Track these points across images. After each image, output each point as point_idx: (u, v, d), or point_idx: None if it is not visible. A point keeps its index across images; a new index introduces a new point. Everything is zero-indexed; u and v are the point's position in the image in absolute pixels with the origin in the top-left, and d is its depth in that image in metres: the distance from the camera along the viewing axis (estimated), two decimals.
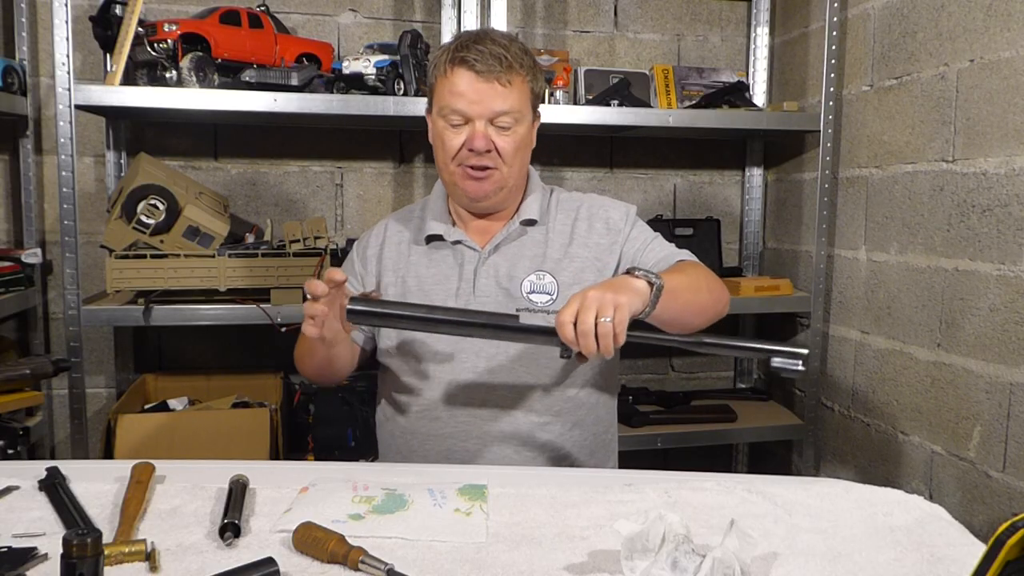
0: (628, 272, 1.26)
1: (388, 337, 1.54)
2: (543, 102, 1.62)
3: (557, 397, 1.51)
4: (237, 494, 1.16)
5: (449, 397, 1.49)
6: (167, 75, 2.09)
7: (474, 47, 1.41)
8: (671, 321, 1.31)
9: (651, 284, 1.24)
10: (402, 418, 1.54)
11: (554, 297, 1.49)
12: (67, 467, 1.25)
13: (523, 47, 1.47)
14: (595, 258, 1.52)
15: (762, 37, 2.83)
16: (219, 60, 2.13)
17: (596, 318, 1.14)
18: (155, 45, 2.06)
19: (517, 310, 1.47)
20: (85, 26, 2.25)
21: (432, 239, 1.55)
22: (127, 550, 0.99)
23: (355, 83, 2.23)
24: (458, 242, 1.54)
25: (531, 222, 1.54)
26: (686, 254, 1.53)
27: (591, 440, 1.57)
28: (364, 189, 2.67)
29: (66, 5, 2.01)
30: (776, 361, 1.23)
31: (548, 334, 1.21)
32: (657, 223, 2.67)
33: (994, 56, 1.90)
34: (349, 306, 1.26)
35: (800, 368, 1.21)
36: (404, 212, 1.67)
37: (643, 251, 1.52)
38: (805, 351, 1.22)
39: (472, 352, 1.48)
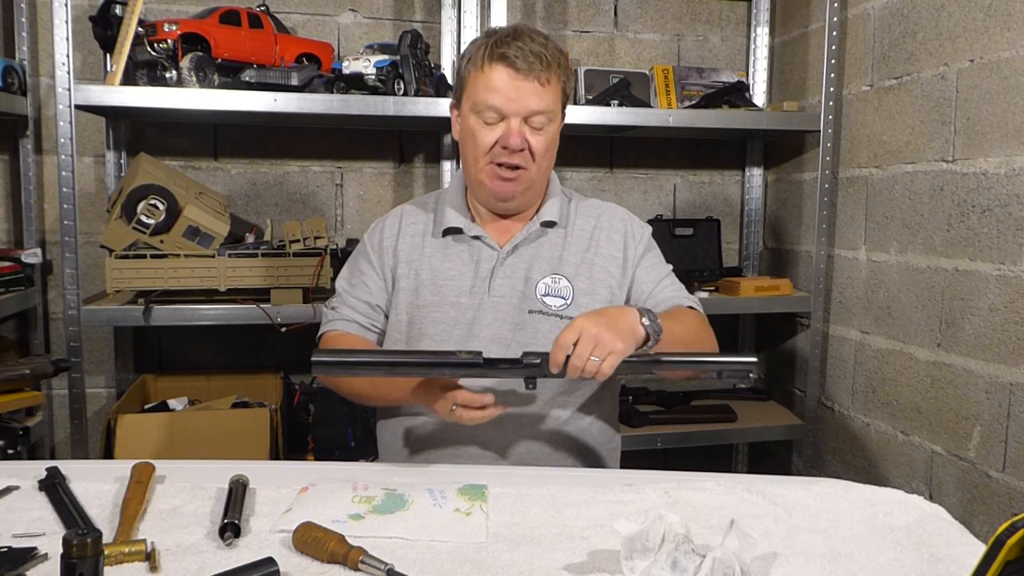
0: (640, 312, 1.28)
1: (396, 331, 1.52)
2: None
3: (563, 405, 1.49)
4: (237, 494, 1.16)
5: None
6: (167, 75, 2.09)
7: (514, 43, 1.39)
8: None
9: (648, 337, 1.27)
10: (406, 419, 1.53)
11: (568, 302, 1.47)
12: (67, 467, 1.25)
13: (557, 46, 1.45)
14: (609, 272, 1.52)
15: (762, 37, 2.83)
16: (219, 60, 2.13)
17: (590, 353, 1.19)
18: (155, 45, 2.06)
19: (530, 312, 1.46)
20: (85, 26, 2.25)
21: (449, 232, 1.53)
22: (127, 550, 0.99)
23: (355, 83, 2.23)
24: (477, 238, 1.51)
25: (551, 224, 1.53)
26: (693, 301, 1.55)
27: (595, 447, 1.55)
28: (364, 189, 2.67)
29: (66, 5, 2.01)
30: (726, 373, 1.29)
31: (514, 366, 1.25)
32: (657, 223, 2.67)
33: (994, 56, 1.90)
34: (314, 358, 1.24)
35: (752, 376, 1.29)
36: (419, 202, 1.63)
37: (656, 285, 1.53)
38: (753, 359, 1.26)
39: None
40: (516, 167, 1.43)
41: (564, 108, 1.50)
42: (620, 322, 1.24)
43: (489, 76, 1.40)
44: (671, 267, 1.60)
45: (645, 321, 1.27)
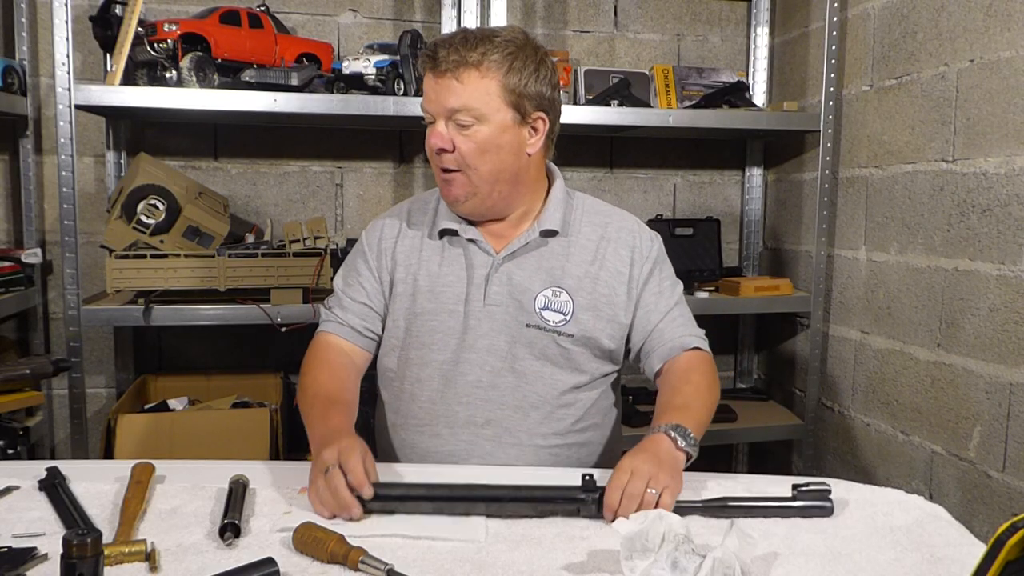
0: (672, 438, 1.24)
1: (394, 337, 1.49)
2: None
3: (563, 418, 1.45)
4: (237, 494, 1.16)
5: (451, 414, 1.43)
6: (167, 75, 2.09)
7: (443, 43, 1.37)
8: None
9: (689, 457, 1.26)
10: (402, 431, 1.49)
11: (567, 318, 1.43)
12: (67, 467, 1.25)
13: (502, 43, 1.35)
14: (614, 288, 1.46)
15: (762, 37, 2.83)
16: (219, 60, 2.13)
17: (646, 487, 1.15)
18: (155, 45, 2.07)
19: (527, 325, 1.42)
20: (85, 26, 2.25)
21: (445, 233, 1.48)
22: (127, 550, 0.99)
23: (355, 83, 2.23)
24: (472, 241, 1.46)
25: (552, 232, 1.46)
26: (699, 336, 1.50)
27: (597, 459, 1.51)
28: (364, 189, 2.67)
29: (66, 5, 2.01)
30: (807, 511, 1.18)
31: (568, 502, 1.17)
32: (657, 223, 2.67)
33: (994, 56, 1.89)
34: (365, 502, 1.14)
35: (829, 505, 1.18)
36: (422, 200, 1.57)
37: (664, 318, 1.48)
38: (828, 490, 1.19)
39: (476, 365, 1.43)
40: (449, 169, 1.39)
41: (523, 109, 1.38)
42: (662, 455, 1.21)
43: (424, 80, 1.40)
44: (681, 286, 1.54)
45: (681, 444, 1.24)
